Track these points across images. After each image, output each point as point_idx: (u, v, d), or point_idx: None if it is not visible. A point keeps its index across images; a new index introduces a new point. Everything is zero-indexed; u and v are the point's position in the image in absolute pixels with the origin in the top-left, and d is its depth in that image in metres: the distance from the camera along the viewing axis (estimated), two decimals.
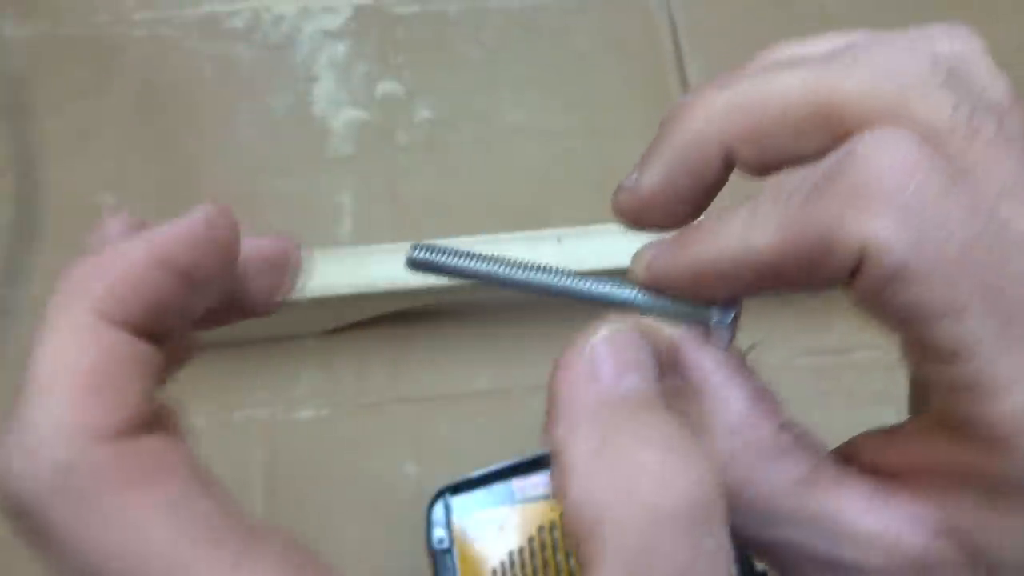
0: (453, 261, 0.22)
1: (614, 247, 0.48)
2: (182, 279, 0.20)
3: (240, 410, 0.50)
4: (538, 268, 0.22)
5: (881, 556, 0.19)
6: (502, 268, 0.22)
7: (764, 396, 0.21)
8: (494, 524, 0.45)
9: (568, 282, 0.22)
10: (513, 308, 0.51)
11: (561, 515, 0.18)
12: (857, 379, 0.50)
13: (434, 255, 0.22)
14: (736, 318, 0.21)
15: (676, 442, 0.18)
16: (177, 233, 0.20)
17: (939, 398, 0.18)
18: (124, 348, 0.19)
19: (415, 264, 0.22)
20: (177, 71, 0.60)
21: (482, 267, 0.22)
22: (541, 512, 0.45)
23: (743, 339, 0.50)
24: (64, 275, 0.19)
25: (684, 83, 0.61)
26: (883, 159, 0.17)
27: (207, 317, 0.22)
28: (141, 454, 0.18)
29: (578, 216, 0.49)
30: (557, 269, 0.22)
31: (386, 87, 0.60)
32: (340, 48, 0.61)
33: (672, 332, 0.21)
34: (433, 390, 0.51)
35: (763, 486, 0.19)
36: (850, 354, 0.51)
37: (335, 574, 0.19)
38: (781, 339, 0.52)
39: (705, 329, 0.21)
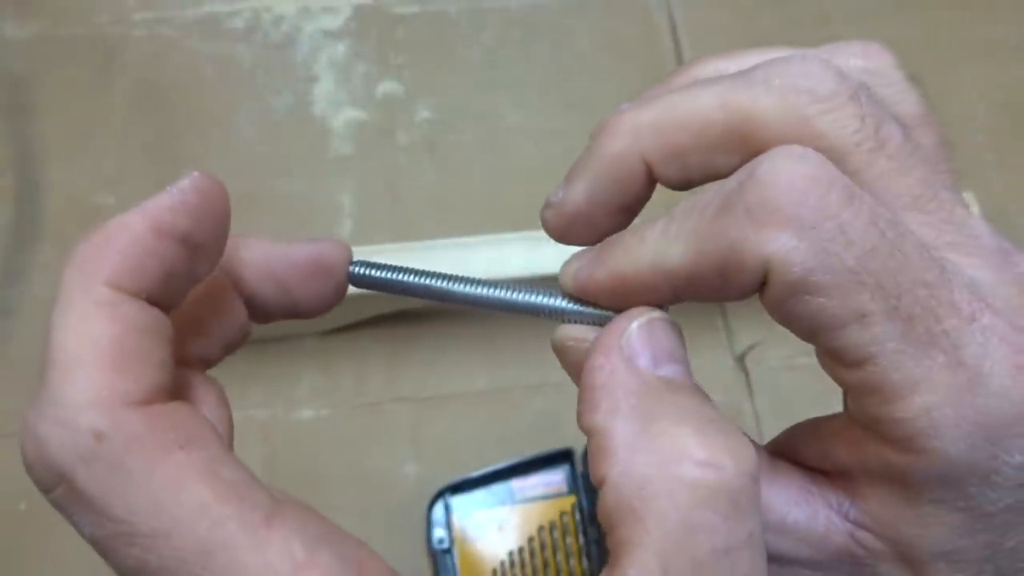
0: (390, 276, 0.23)
1: None
2: (183, 245, 0.20)
3: (240, 410, 0.50)
4: (473, 281, 0.23)
5: (810, 548, 0.19)
6: (437, 282, 0.23)
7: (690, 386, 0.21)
8: (494, 524, 0.45)
9: (502, 293, 0.22)
10: None
11: (597, 500, 0.19)
12: None
13: (371, 271, 0.23)
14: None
15: (717, 424, 0.18)
16: (172, 201, 0.20)
17: (852, 401, 0.19)
18: (142, 318, 0.19)
19: (354, 280, 0.23)
20: (177, 71, 0.60)
21: (418, 281, 0.23)
22: (541, 512, 0.45)
23: (743, 339, 0.51)
24: (73, 252, 0.20)
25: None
26: (782, 177, 0.18)
27: (263, 313, 0.23)
28: (172, 419, 0.19)
29: None
30: (492, 282, 0.22)
31: (386, 87, 0.60)
32: (340, 48, 0.61)
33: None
34: (433, 390, 0.51)
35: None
36: None
37: (353, 538, 0.19)
38: (781, 339, 0.52)
39: None
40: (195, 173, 0.21)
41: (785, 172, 0.18)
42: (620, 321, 0.21)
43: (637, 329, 0.20)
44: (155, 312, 0.20)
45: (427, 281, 0.23)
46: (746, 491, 0.17)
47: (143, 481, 0.18)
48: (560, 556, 0.44)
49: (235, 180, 0.64)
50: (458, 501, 0.45)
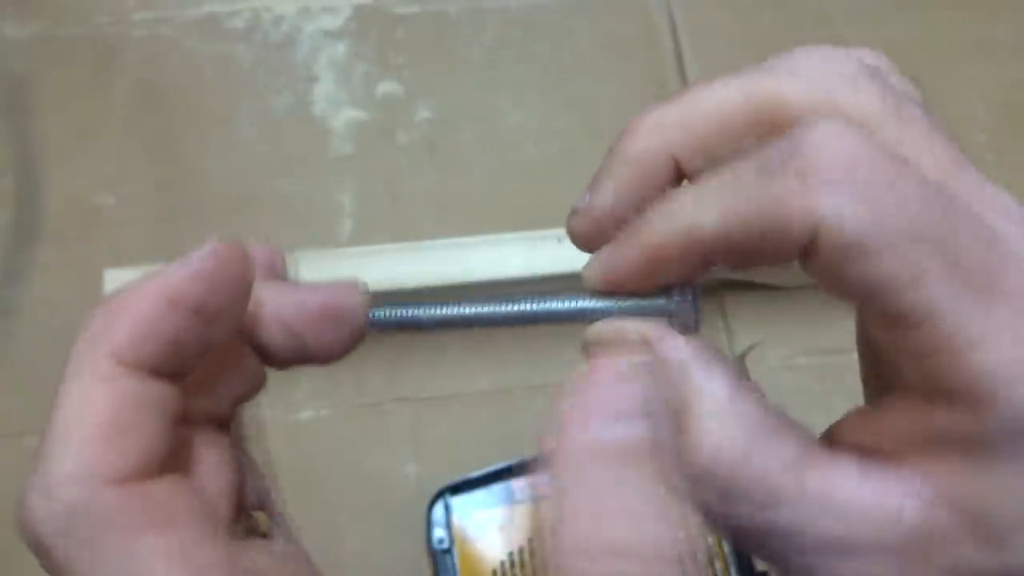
0: (409, 313, 0.22)
1: None
2: (195, 316, 0.20)
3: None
4: (496, 300, 0.22)
5: (876, 531, 0.18)
6: (456, 309, 0.22)
7: (745, 379, 0.20)
8: (494, 524, 0.45)
9: (527, 306, 0.22)
10: None
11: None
12: (857, 379, 0.50)
13: (391, 312, 0.22)
14: (695, 298, 0.21)
15: (651, 504, 0.18)
16: (187, 271, 0.20)
17: (912, 367, 0.19)
18: (139, 392, 0.19)
19: (374, 324, 0.22)
20: (177, 71, 0.60)
21: (438, 313, 0.22)
22: (541, 512, 0.45)
23: (743, 339, 0.51)
24: (87, 320, 0.20)
25: (684, 83, 0.61)
26: (832, 142, 0.18)
27: (277, 361, 0.23)
28: (149, 498, 0.19)
29: None
30: (513, 298, 0.22)
31: (386, 87, 0.60)
32: (340, 48, 0.61)
33: (641, 327, 0.20)
34: (433, 390, 0.51)
35: (756, 468, 0.19)
36: (850, 354, 0.51)
37: None
38: (781, 339, 0.52)
39: (669, 321, 0.21)
40: (213, 240, 0.21)
41: (836, 136, 0.18)
42: (577, 375, 0.20)
43: (589, 387, 0.19)
44: (158, 384, 0.20)
45: (446, 311, 0.22)
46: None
47: (114, 561, 0.18)
48: None
49: (235, 180, 0.65)
50: (458, 501, 0.45)
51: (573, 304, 0.21)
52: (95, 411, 0.19)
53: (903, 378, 0.19)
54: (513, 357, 0.51)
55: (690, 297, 0.21)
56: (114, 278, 0.47)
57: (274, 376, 0.55)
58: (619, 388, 0.19)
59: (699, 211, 0.19)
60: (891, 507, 0.18)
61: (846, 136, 0.18)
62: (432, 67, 0.61)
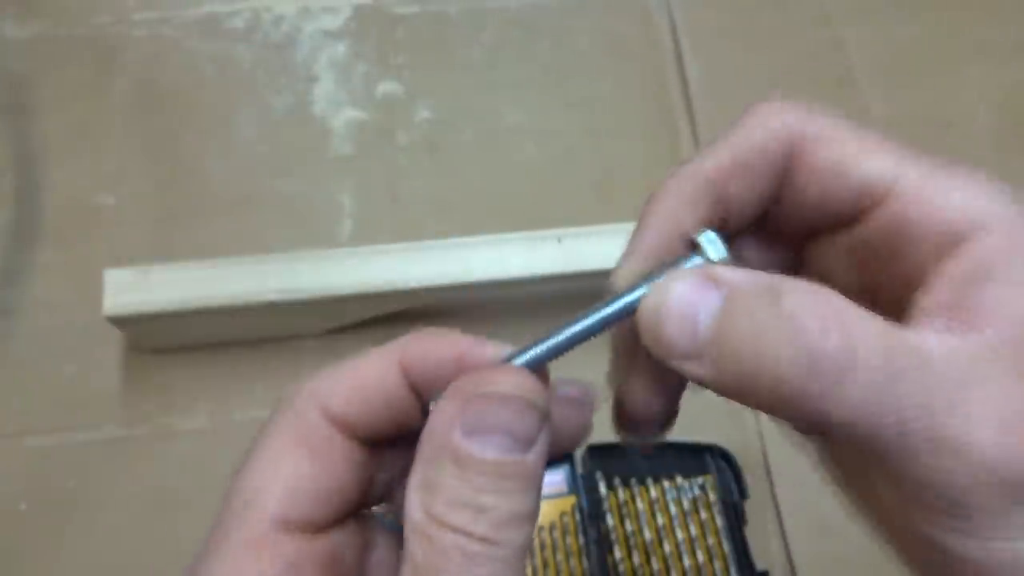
0: (536, 353, 0.23)
1: (614, 247, 0.48)
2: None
3: (240, 410, 0.50)
4: (571, 323, 0.23)
5: (991, 363, 0.19)
6: (558, 339, 0.23)
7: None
8: None
9: (595, 318, 0.23)
10: (513, 308, 0.51)
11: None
12: None
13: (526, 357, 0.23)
14: (725, 239, 0.23)
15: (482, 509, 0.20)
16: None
17: (910, 238, 0.21)
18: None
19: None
20: (177, 71, 0.60)
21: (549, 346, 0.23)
22: (541, 512, 0.45)
23: None
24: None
25: (684, 83, 0.61)
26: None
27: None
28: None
29: (578, 216, 0.49)
30: (581, 315, 0.23)
31: (386, 87, 0.60)
32: (340, 48, 0.61)
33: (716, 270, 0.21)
34: None
35: (888, 329, 0.19)
36: None
37: None
38: None
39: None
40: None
41: (779, 102, 0.24)
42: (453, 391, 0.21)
43: (448, 401, 0.21)
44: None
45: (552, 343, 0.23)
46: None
47: None
48: (560, 556, 0.44)
49: (235, 180, 0.65)
50: None
51: (629, 298, 0.22)
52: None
53: (906, 272, 0.21)
54: None
55: (716, 238, 0.22)
56: (114, 278, 0.47)
57: (275, 376, 0.55)
58: (491, 407, 0.21)
59: (701, 161, 0.23)
60: (984, 348, 0.19)
61: (792, 102, 0.23)
62: (432, 67, 0.61)
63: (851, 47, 0.62)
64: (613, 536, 0.45)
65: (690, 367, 0.20)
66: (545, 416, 0.21)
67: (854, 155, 0.22)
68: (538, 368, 0.22)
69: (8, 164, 0.57)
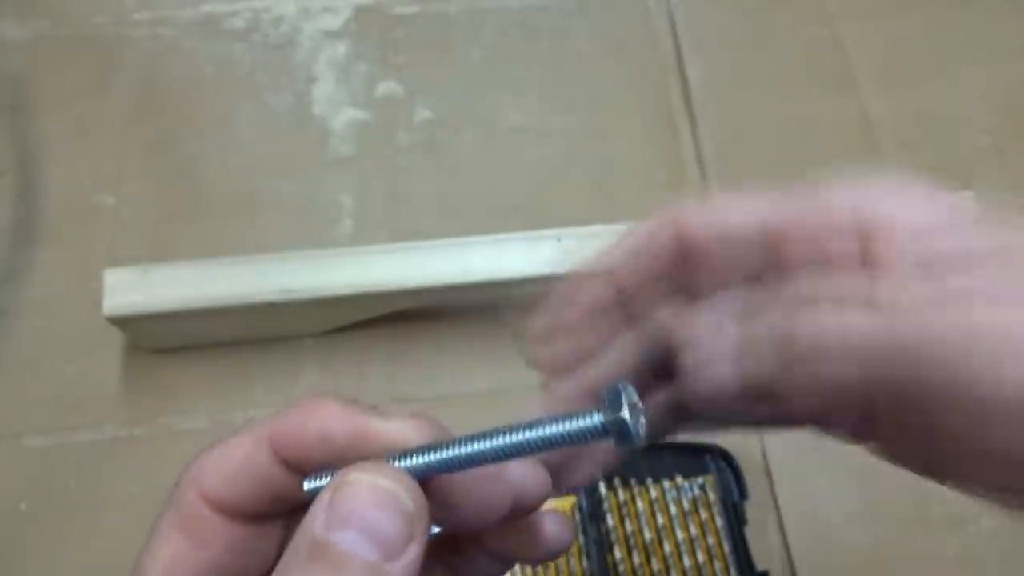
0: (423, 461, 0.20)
1: None
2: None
3: (240, 410, 0.50)
4: (480, 437, 0.20)
5: None
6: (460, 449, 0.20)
7: None
8: None
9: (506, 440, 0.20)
10: (513, 308, 0.51)
11: None
12: None
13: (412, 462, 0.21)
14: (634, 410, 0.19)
15: None
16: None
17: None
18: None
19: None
20: (177, 71, 0.60)
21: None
22: None
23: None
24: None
25: (684, 83, 0.61)
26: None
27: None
28: None
29: (578, 216, 0.49)
30: (495, 431, 0.20)
31: (386, 87, 0.60)
32: (340, 48, 0.61)
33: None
34: (432, 390, 0.51)
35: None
36: None
37: None
38: None
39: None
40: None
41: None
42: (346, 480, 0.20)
43: (327, 489, 0.19)
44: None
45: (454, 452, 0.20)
46: None
47: None
48: (560, 556, 0.44)
49: (235, 180, 0.65)
50: None
51: (539, 431, 0.20)
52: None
53: None
54: (513, 357, 0.51)
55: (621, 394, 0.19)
56: (114, 278, 0.47)
57: (274, 375, 0.55)
58: (348, 501, 0.19)
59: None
60: None
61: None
62: (432, 67, 0.61)
63: (851, 47, 0.62)
64: (613, 536, 0.45)
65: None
66: (416, 524, 0.19)
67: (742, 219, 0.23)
68: (427, 476, 0.20)
69: (8, 164, 0.57)
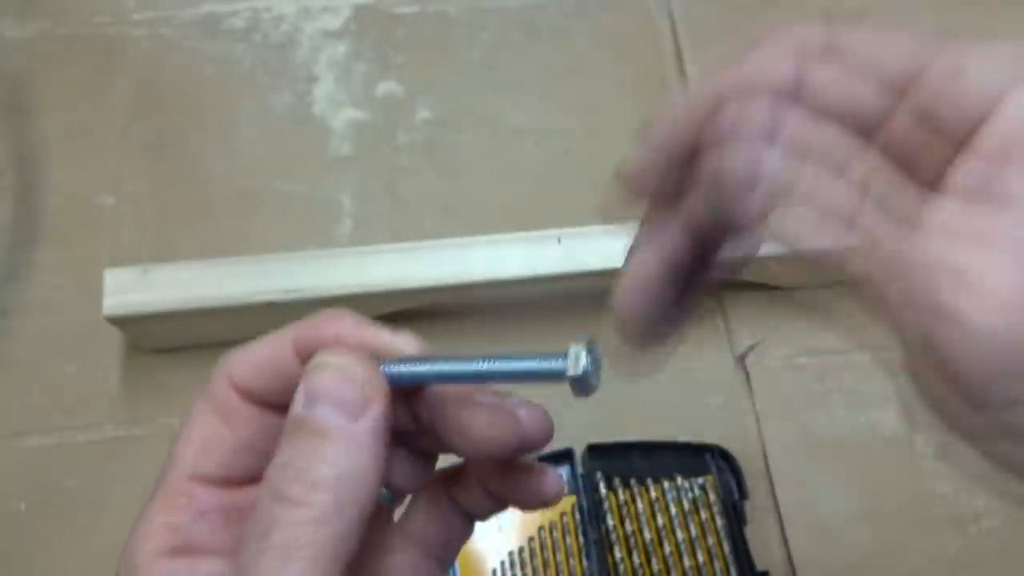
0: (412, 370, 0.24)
1: (613, 247, 0.48)
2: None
3: None
4: (463, 359, 0.24)
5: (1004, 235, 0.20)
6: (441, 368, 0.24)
7: None
8: (494, 524, 0.45)
9: (483, 366, 0.24)
10: (513, 308, 0.51)
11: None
12: (857, 379, 0.50)
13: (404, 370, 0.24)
14: (591, 358, 0.23)
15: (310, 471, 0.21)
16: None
17: (939, 126, 0.21)
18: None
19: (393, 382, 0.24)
20: (177, 71, 0.60)
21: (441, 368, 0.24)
22: (541, 512, 0.45)
23: (743, 339, 0.51)
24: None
25: (684, 83, 0.61)
26: None
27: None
28: None
29: (578, 216, 0.49)
30: (475, 356, 0.24)
31: (386, 87, 0.60)
32: (340, 48, 0.61)
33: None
34: None
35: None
36: (850, 354, 0.51)
37: None
38: (781, 339, 0.52)
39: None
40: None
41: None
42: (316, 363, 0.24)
43: (303, 377, 0.23)
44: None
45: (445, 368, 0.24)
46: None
47: None
48: (560, 556, 0.44)
49: (235, 180, 0.65)
50: None
51: (510, 365, 0.23)
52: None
53: (940, 153, 0.22)
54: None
55: (582, 353, 0.22)
56: (114, 278, 0.47)
57: None
58: (313, 379, 0.23)
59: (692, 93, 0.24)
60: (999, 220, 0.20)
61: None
62: (432, 67, 0.61)
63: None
64: (613, 536, 0.45)
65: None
66: (371, 390, 0.23)
67: (873, 55, 0.23)
68: (412, 382, 0.24)
69: (8, 164, 0.57)
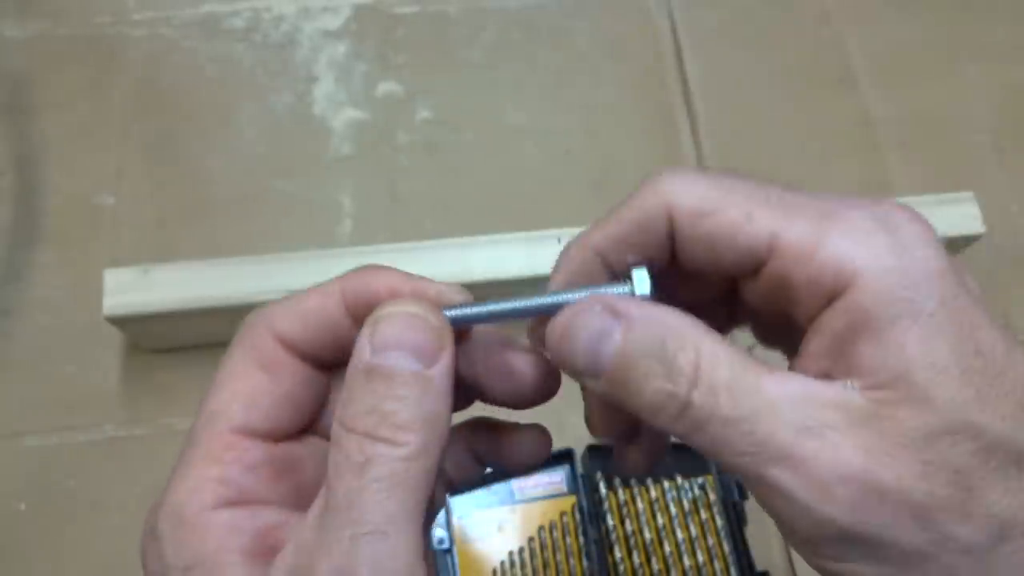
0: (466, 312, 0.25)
1: None
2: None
3: None
4: (514, 298, 0.26)
5: (839, 413, 0.21)
6: (490, 308, 0.25)
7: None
8: (494, 524, 0.45)
9: (534, 302, 0.26)
10: None
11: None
12: None
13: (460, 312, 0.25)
14: (651, 275, 0.25)
15: (382, 414, 0.22)
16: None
17: (799, 292, 0.23)
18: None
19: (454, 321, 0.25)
20: (177, 71, 0.60)
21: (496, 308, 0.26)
22: (541, 512, 0.45)
23: (743, 339, 0.51)
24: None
25: (684, 83, 0.61)
26: (669, 171, 0.25)
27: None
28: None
29: (578, 216, 0.49)
30: (525, 296, 0.26)
31: (386, 87, 0.60)
32: (340, 48, 0.61)
33: (611, 300, 0.24)
34: None
35: (739, 370, 0.22)
36: None
37: None
38: None
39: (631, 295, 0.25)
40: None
41: (667, 168, 0.25)
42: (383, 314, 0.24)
43: (366, 327, 0.24)
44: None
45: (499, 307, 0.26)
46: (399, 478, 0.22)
47: None
48: (560, 556, 0.44)
49: (235, 180, 0.65)
50: (458, 501, 0.45)
51: (561, 297, 0.25)
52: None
53: (797, 321, 0.23)
54: None
55: (646, 275, 0.25)
56: (114, 278, 0.47)
57: None
58: (389, 330, 0.24)
59: (593, 229, 0.25)
60: (837, 396, 0.22)
61: (679, 167, 0.25)
62: (432, 67, 0.61)
63: (851, 47, 0.62)
64: (613, 536, 0.45)
65: (590, 383, 0.24)
66: (443, 337, 0.24)
67: (732, 224, 0.23)
68: (464, 325, 0.25)
69: (8, 164, 0.57)
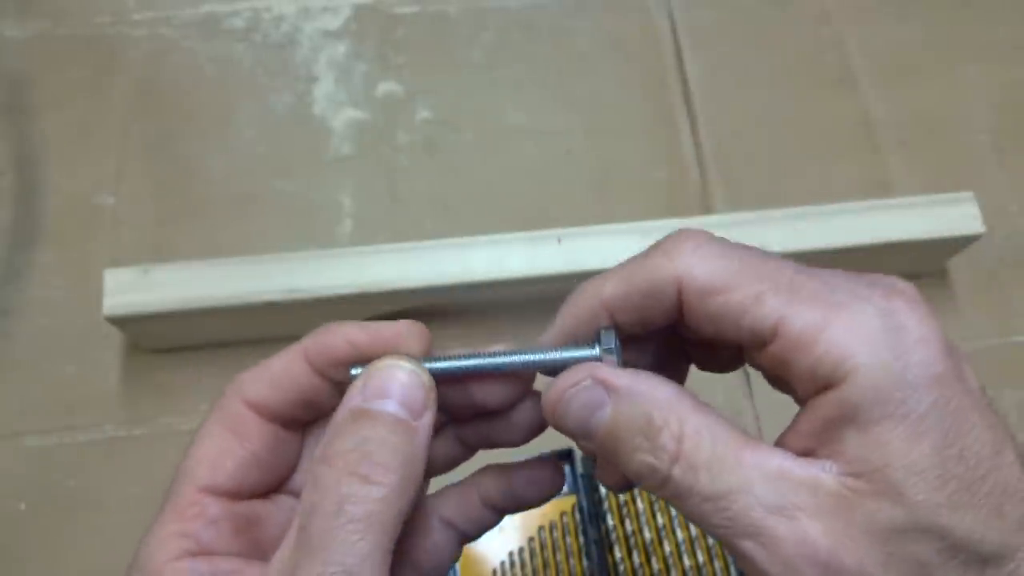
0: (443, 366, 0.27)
1: (613, 247, 0.48)
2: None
3: None
4: (492, 354, 0.27)
5: (811, 495, 0.22)
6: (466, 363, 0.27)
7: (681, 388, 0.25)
8: None
9: (512, 358, 0.27)
10: (513, 308, 0.51)
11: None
12: None
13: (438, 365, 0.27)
14: (617, 346, 0.26)
15: (374, 454, 0.24)
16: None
17: (793, 374, 0.23)
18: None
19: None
20: (177, 71, 0.60)
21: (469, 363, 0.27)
22: (541, 512, 0.45)
23: None
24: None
25: (684, 83, 0.61)
26: (684, 235, 0.25)
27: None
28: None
29: (578, 216, 0.49)
30: (504, 351, 0.27)
31: (386, 87, 0.60)
32: (340, 48, 0.61)
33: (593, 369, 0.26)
34: None
35: (720, 447, 0.23)
36: None
37: None
38: None
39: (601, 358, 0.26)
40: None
41: (684, 233, 0.25)
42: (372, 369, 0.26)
43: (359, 379, 0.25)
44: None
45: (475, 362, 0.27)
46: (378, 517, 0.23)
47: None
48: (560, 556, 0.44)
49: (235, 180, 0.65)
50: None
51: (536, 356, 0.27)
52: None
53: (796, 395, 0.24)
54: None
55: (612, 345, 0.26)
56: (114, 278, 0.47)
57: None
58: (382, 380, 0.25)
59: (604, 281, 0.26)
60: (818, 477, 0.23)
61: (691, 231, 0.25)
62: (432, 67, 0.61)
63: (851, 47, 0.62)
64: (613, 536, 0.45)
65: (583, 445, 0.26)
66: (430, 397, 0.26)
67: (740, 304, 0.24)
68: (441, 376, 0.27)
69: (8, 164, 0.57)
